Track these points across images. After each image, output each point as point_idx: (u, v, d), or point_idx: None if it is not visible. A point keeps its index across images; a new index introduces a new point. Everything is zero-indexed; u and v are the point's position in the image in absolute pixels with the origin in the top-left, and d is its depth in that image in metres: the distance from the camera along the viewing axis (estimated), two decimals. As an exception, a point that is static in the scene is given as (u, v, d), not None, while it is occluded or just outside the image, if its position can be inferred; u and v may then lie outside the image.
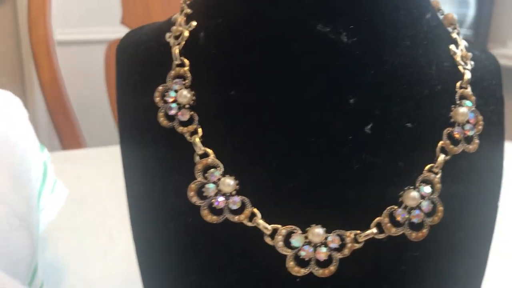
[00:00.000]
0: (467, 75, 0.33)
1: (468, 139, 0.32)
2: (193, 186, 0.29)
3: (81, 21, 1.93)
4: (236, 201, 0.30)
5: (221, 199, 0.30)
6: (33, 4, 1.21)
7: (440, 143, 0.31)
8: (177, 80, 0.31)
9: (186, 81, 0.31)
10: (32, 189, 0.38)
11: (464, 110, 0.31)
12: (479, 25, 2.17)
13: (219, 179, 0.30)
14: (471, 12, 2.30)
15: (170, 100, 0.31)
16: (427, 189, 0.30)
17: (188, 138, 0.30)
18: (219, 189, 0.29)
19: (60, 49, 1.34)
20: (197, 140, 0.30)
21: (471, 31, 2.14)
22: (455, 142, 0.31)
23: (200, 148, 0.30)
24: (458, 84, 0.32)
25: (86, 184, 0.80)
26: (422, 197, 0.30)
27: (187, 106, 0.31)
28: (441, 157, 0.31)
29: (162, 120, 0.31)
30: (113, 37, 1.00)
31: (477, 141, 0.32)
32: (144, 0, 1.28)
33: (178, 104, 0.31)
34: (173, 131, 0.30)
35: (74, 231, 0.65)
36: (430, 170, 0.30)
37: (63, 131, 1.19)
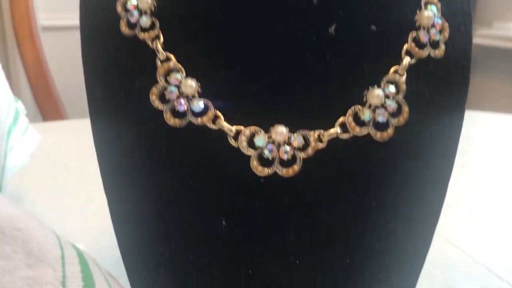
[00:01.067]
0: (433, -17, 0.32)
1: (434, 45, 0.31)
2: (154, 89, 0.29)
3: (65, 6, 1.92)
4: (198, 103, 0.29)
5: (183, 101, 0.29)
6: (14, -19, 1.20)
7: (405, 46, 0.31)
8: (138, -13, 0.31)
9: (148, -13, 0.31)
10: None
11: (430, 13, 0.31)
12: (465, 8, 2.18)
13: (180, 82, 0.29)
14: (457, -6, 2.30)
15: (132, 7, 0.31)
16: (391, 88, 0.30)
17: (150, 44, 0.30)
18: (181, 91, 0.28)
19: (44, 34, 1.33)
20: (159, 45, 0.29)
21: (457, 14, 2.14)
22: (420, 46, 0.31)
23: (162, 53, 0.29)
24: (423, -10, 0.32)
25: (67, 151, 0.79)
26: (387, 96, 0.29)
27: (148, 12, 0.30)
28: (406, 60, 0.30)
29: (124, 29, 0.31)
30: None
31: (443, 47, 0.31)
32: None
33: (139, 10, 0.31)
34: (135, 39, 0.30)
35: (54, 190, 0.65)
36: (395, 72, 0.30)
37: (46, 109, 1.18)
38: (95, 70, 0.32)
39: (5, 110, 0.43)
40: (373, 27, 0.30)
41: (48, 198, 0.62)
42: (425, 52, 0.31)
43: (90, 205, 0.60)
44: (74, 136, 0.86)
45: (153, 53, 0.29)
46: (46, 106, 1.17)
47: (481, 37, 1.96)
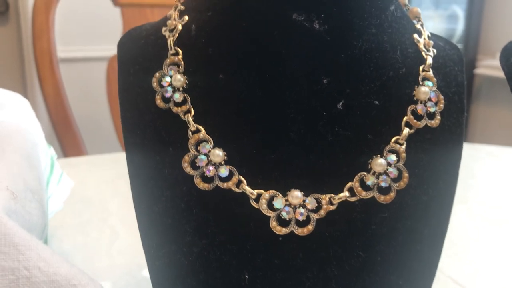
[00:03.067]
0: (429, 60, 0.37)
1: (431, 116, 0.36)
2: (187, 157, 0.33)
3: (82, 39, 1.99)
4: (224, 170, 0.33)
5: (211, 168, 0.34)
6: (37, 17, 1.27)
7: (405, 118, 0.35)
8: (172, 67, 0.36)
9: (180, 67, 0.36)
10: (42, 172, 0.42)
11: (426, 89, 0.35)
12: (469, 39, 2.24)
13: (209, 151, 0.34)
14: (460, 26, 2.37)
15: (166, 84, 0.36)
16: (393, 157, 0.34)
17: (182, 117, 0.33)
18: (210, 159, 0.33)
19: (62, 65, 1.39)
20: (190, 118, 0.33)
21: (461, 45, 2.20)
22: (418, 117, 0.35)
23: (192, 125, 0.33)
24: (421, 68, 0.37)
25: (89, 186, 0.83)
26: (389, 164, 0.34)
27: (180, 89, 0.35)
28: (406, 130, 0.35)
29: (159, 102, 0.35)
30: (114, 53, 1.04)
31: (438, 117, 0.36)
32: (144, 18, 1.33)
33: (173, 87, 0.35)
34: (169, 112, 0.34)
35: (79, 227, 0.69)
36: (396, 142, 0.34)
37: (66, 142, 1.23)
38: (133, 138, 0.36)
39: (43, 160, 0.48)
40: (376, 102, 0.35)
41: (74, 236, 0.66)
42: (422, 123, 0.35)
43: (115, 243, 0.65)
44: (96, 172, 0.90)
45: (185, 124, 0.33)
46: (66, 141, 1.22)
47: (485, 67, 2.01)
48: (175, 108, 0.34)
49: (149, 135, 0.35)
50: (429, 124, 0.35)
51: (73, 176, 0.85)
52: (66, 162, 0.98)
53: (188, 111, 0.34)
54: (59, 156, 1.18)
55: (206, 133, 0.33)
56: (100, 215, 0.73)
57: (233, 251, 0.32)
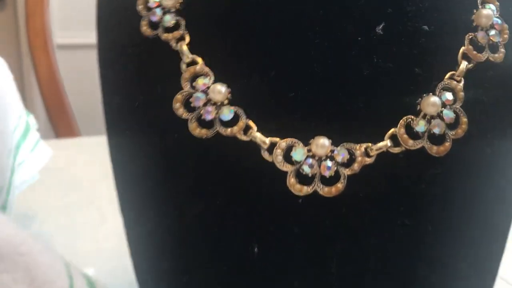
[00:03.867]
0: (490, -19, 0.29)
1: (493, 48, 0.28)
2: (179, 96, 0.25)
3: (81, 24, 1.91)
4: (228, 112, 0.26)
5: (211, 109, 0.26)
6: (31, -1, 1.19)
7: (462, 49, 0.27)
8: (162, -17, 0.28)
9: (172, -17, 0.28)
10: (6, 131, 0.34)
11: (489, 12, 0.27)
12: None
13: (208, 88, 0.26)
14: None
15: (154, 5, 0.28)
16: (448, 95, 0.26)
17: (174, 45, 0.27)
18: (209, 98, 0.25)
19: (60, 52, 1.31)
20: (184, 47, 0.27)
21: None
22: (478, 48, 0.27)
23: (187, 56, 0.26)
24: (479, -12, 0.28)
25: (79, 168, 0.76)
26: (443, 105, 0.26)
27: (172, 10, 0.27)
28: (463, 64, 0.27)
29: (145, 29, 0.28)
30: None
31: (503, 50, 0.28)
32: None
33: (163, 9, 0.28)
34: (157, 41, 0.27)
35: (64, 209, 0.61)
36: (451, 78, 0.26)
37: (59, 125, 1.16)
38: (112, 76, 0.28)
39: (14, 122, 0.40)
40: (426, 27, 0.27)
41: (58, 218, 0.58)
42: (483, 56, 0.27)
43: (102, 226, 0.57)
44: (87, 154, 0.83)
45: (177, 56, 0.27)
46: (59, 123, 1.14)
47: None
48: (165, 34, 0.27)
49: (130, 71, 0.27)
50: (491, 58, 0.27)
51: (63, 157, 0.77)
52: (57, 142, 0.90)
53: (182, 38, 0.27)
54: (51, 138, 1.10)
55: (205, 66, 0.26)
56: (88, 198, 0.65)
57: (239, 215, 0.25)
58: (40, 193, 0.61)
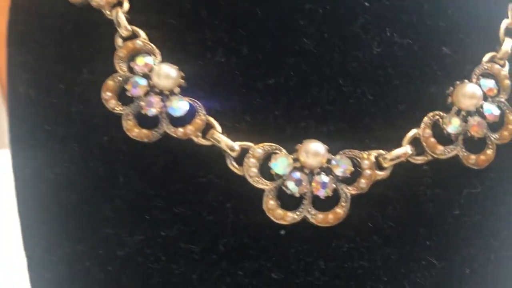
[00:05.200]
0: None
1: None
2: (110, 82, 0.20)
3: None
4: (180, 103, 0.18)
5: (154, 100, 0.18)
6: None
7: (506, 23, 0.22)
8: None
9: None
10: None
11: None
12: None
13: (151, 70, 0.19)
14: None
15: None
16: (490, 83, 0.19)
17: (108, 13, 0.21)
18: (153, 84, 0.19)
19: None
20: (121, 16, 0.20)
21: None
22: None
23: (125, 27, 0.20)
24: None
25: None
26: (485, 97, 0.18)
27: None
28: (509, 43, 0.21)
29: (71, -5, 0.21)
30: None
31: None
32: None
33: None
34: (86, 9, 0.21)
35: None
36: (492, 61, 0.20)
37: None
38: (22, 55, 0.22)
39: None
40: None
41: None
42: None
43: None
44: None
45: (111, 27, 0.20)
46: None
47: None
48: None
49: (48, 50, 0.21)
50: None
51: None
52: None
53: (119, 4, 0.20)
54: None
55: (150, 41, 0.20)
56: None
57: (192, 255, 0.18)
58: None
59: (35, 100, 0.21)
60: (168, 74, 0.19)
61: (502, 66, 0.20)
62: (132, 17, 0.21)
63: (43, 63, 0.22)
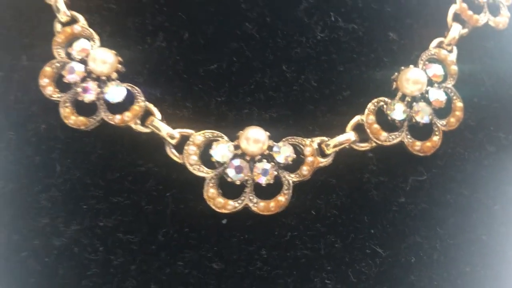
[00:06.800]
0: None
1: (494, 8, 0.21)
2: (48, 69, 0.19)
3: None
4: (117, 89, 0.17)
5: (92, 85, 0.18)
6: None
7: (454, 8, 0.21)
8: None
9: None
10: None
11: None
12: None
13: (88, 55, 0.18)
14: None
15: None
16: (436, 69, 0.19)
17: None
18: (90, 70, 0.17)
19: None
20: (60, 0, 0.20)
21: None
22: (475, 8, 0.21)
23: (64, 13, 0.20)
24: None
25: None
26: (430, 82, 0.18)
27: None
28: (456, 28, 0.20)
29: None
30: None
31: (507, 13, 0.21)
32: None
33: None
34: None
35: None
36: (439, 46, 0.20)
37: None
38: None
39: None
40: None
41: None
42: (482, 19, 0.21)
43: None
44: None
45: (49, 11, 0.20)
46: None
47: None
48: None
49: None
50: (491, 23, 0.21)
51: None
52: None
53: None
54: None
55: (89, 26, 0.19)
56: None
57: (130, 245, 0.18)
58: None
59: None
60: (104, 59, 0.18)
61: (450, 51, 0.20)
62: (72, 2, 0.19)
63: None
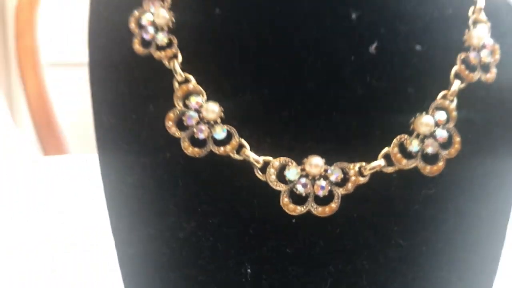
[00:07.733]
0: (481, 2, 0.29)
1: (485, 67, 0.28)
2: (171, 115, 0.25)
3: (73, 42, 1.91)
4: (221, 130, 0.25)
5: (203, 127, 0.25)
6: (21, 15, 1.19)
7: (455, 69, 0.27)
8: (155, 1, 0.28)
9: (165, 1, 0.28)
10: None
11: (480, 33, 0.28)
12: None
13: (201, 106, 0.26)
14: None
15: (147, 23, 0.27)
16: (441, 115, 0.26)
17: (167, 64, 0.26)
18: (202, 117, 0.25)
19: (52, 70, 1.31)
20: (177, 65, 0.26)
21: None
22: (471, 68, 0.27)
23: (180, 74, 0.26)
24: (471, 10, 0.29)
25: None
26: (437, 124, 0.26)
27: (165, 28, 0.27)
28: (456, 84, 0.27)
29: (138, 47, 0.27)
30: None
31: (494, 70, 0.28)
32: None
33: (155, 27, 0.27)
34: (149, 59, 0.27)
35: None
36: (444, 97, 0.26)
37: (48, 144, 1.15)
38: (103, 93, 0.28)
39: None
40: (418, 47, 0.27)
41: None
42: (476, 76, 0.27)
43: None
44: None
45: (170, 74, 0.26)
46: (47, 140, 1.13)
47: None
48: (158, 52, 0.26)
49: (122, 89, 0.27)
50: (483, 78, 0.27)
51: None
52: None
53: (174, 57, 0.26)
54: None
55: (197, 84, 0.26)
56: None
57: (231, 236, 0.25)
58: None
59: (115, 126, 0.28)
60: (213, 109, 0.25)
61: (451, 101, 0.26)
62: (184, 66, 0.26)
63: (118, 99, 0.29)
